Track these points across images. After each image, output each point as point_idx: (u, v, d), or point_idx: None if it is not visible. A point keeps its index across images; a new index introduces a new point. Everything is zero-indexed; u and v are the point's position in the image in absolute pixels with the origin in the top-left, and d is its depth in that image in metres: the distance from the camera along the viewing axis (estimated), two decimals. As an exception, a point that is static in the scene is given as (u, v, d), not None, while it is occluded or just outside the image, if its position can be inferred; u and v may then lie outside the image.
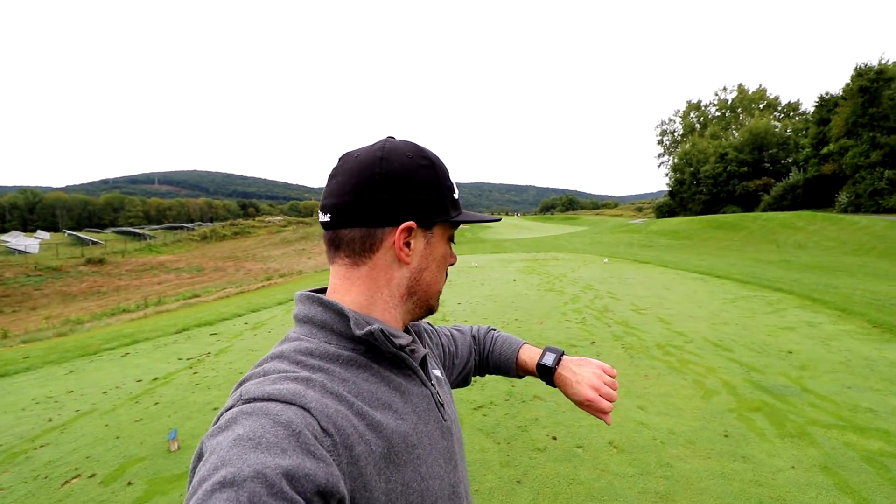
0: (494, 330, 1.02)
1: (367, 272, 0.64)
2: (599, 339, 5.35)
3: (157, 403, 4.02)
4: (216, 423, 0.49)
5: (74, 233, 68.74)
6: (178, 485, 2.69)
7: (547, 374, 0.88)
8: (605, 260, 14.20)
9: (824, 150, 34.76)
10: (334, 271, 0.66)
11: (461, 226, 0.78)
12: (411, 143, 0.68)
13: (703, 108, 64.90)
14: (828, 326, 5.58)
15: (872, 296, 7.55)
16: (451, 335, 0.96)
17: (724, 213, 38.01)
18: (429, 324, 0.91)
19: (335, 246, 0.65)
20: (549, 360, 0.88)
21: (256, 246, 42.87)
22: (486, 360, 0.98)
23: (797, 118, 52.60)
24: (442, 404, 0.70)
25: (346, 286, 0.65)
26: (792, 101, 57.77)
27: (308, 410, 0.49)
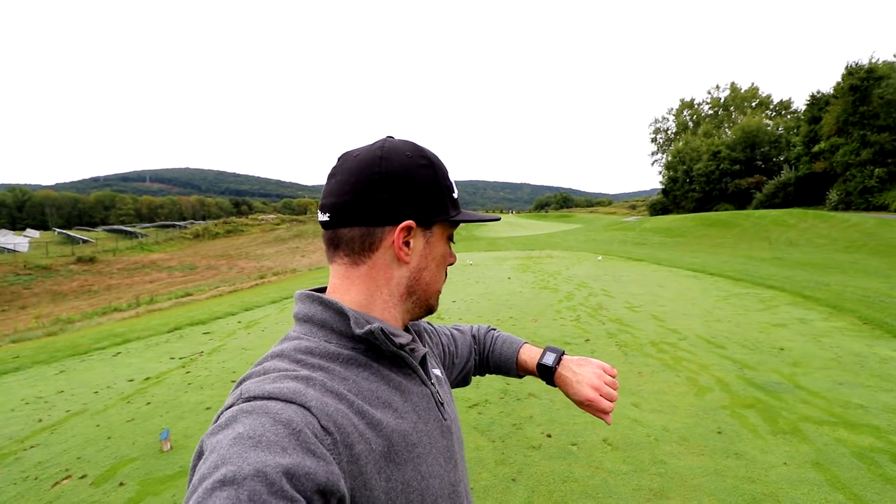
0: (494, 330, 1.02)
1: (367, 271, 0.64)
2: (594, 336, 5.37)
3: (149, 403, 3.98)
4: (216, 421, 0.49)
5: (64, 231, 68.02)
6: (171, 485, 2.67)
7: (547, 373, 0.87)
8: (599, 257, 14.26)
9: (815, 149, 35.09)
10: (334, 270, 0.66)
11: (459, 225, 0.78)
12: (411, 142, 0.68)
13: (696, 107, 65.30)
14: (819, 323, 5.64)
15: (863, 293, 7.63)
16: (451, 335, 0.96)
17: (716, 210, 38.33)
18: (428, 323, 0.91)
19: (335, 245, 0.65)
20: (549, 359, 0.88)
21: (250, 244, 42.64)
22: (486, 359, 0.98)
23: (789, 116, 53.05)
24: (442, 403, 0.70)
25: (345, 285, 0.65)
26: (784, 100, 58.26)
27: (308, 409, 0.49)
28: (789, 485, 2.42)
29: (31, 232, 71.94)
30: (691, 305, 6.90)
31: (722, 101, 62.61)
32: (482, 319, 6.42)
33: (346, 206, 0.62)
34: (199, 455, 0.46)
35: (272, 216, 63.48)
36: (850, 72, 32.86)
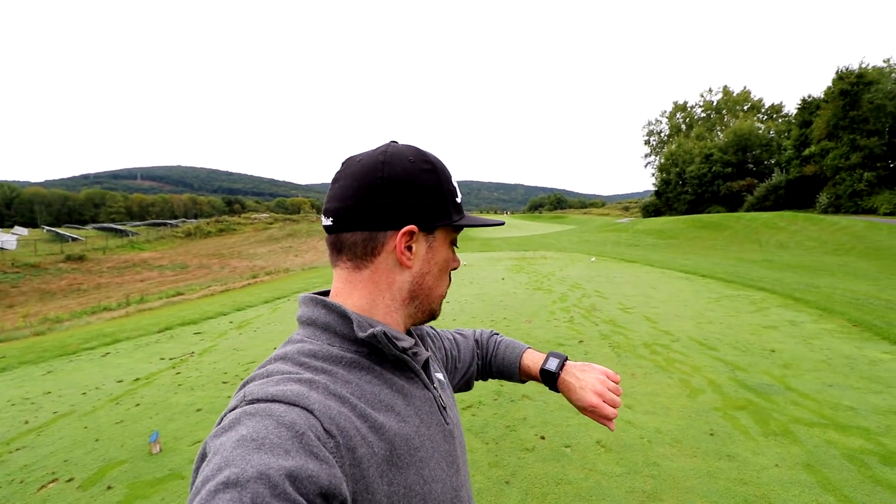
0: (497, 334, 1.02)
1: (369, 276, 0.64)
2: (587, 337, 5.38)
3: (138, 405, 3.93)
4: (219, 423, 0.49)
5: (53, 229, 67.11)
6: (160, 488, 2.63)
7: (550, 379, 0.87)
8: (593, 259, 14.32)
9: (806, 152, 35.55)
10: (337, 275, 0.67)
11: None
12: (414, 147, 0.68)
13: (689, 110, 65.92)
14: (809, 325, 5.69)
15: (852, 295, 7.73)
16: (454, 339, 0.96)
17: (708, 212, 38.66)
18: (431, 327, 0.91)
19: (338, 249, 0.65)
20: (552, 365, 0.88)
21: (242, 243, 42.33)
22: (488, 364, 0.98)
23: (780, 120, 53.66)
24: (444, 408, 0.70)
25: (348, 290, 0.65)
26: (775, 104, 58.98)
27: (311, 412, 0.49)
28: (781, 486, 2.44)
29: (19, 229, 70.85)
30: (684, 307, 6.94)
31: (714, 104, 63.27)
32: (476, 320, 6.42)
33: (348, 210, 0.62)
34: (203, 457, 0.47)
35: (265, 215, 63.10)
36: (841, 76, 33.34)
